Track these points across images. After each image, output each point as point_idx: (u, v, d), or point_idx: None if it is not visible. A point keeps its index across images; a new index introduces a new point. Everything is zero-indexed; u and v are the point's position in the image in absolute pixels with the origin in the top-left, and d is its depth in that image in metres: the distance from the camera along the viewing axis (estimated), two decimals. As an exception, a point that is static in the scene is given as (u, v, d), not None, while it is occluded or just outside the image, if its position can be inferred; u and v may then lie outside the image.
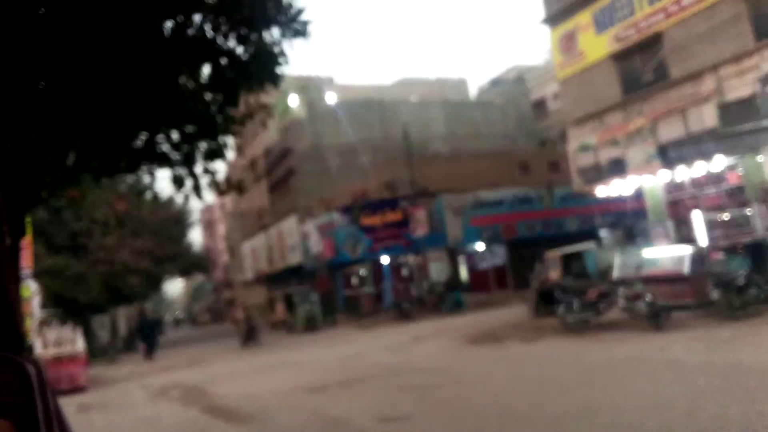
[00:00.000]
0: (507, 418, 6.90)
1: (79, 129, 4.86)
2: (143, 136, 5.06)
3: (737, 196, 14.08)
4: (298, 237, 33.24)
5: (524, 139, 39.68)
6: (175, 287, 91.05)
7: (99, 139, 4.94)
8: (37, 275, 24.10)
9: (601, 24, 18.55)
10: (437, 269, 27.50)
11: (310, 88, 37.68)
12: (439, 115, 37.59)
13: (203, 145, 5.14)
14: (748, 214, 13.19)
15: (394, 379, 10.60)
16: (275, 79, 5.09)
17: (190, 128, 4.90)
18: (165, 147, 5.16)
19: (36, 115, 4.31)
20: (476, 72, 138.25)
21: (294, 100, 34.87)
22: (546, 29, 20.65)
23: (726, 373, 7.22)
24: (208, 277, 63.96)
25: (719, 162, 12.93)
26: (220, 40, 4.72)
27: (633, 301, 11.65)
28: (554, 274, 16.63)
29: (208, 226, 73.26)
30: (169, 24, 4.39)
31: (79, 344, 17.06)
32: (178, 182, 5.18)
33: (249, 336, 21.18)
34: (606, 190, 16.00)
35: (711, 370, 7.53)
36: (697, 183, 15.26)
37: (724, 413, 5.66)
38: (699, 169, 13.35)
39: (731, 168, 14.02)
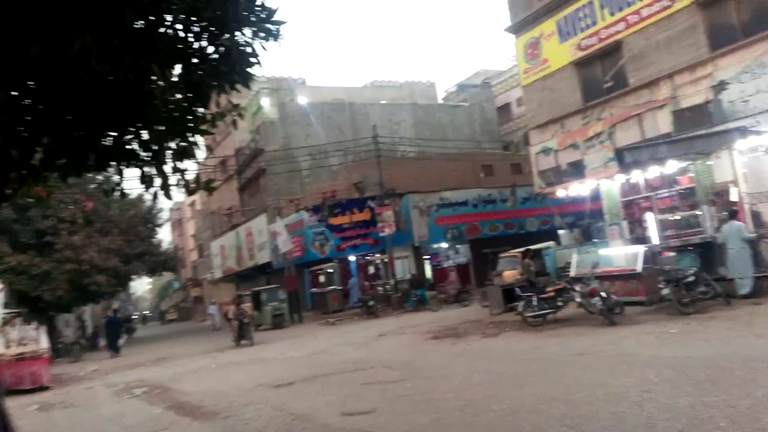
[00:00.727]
0: (466, 410, 7.06)
1: (46, 127, 4.85)
2: (112, 135, 5.08)
3: (688, 198, 14.60)
4: (267, 236, 33.15)
5: (489, 142, 40.26)
6: (142, 285, 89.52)
7: (66, 137, 4.93)
8: (1, 273, 23.64)
9: (565, 33, 19.04)
10: (403, 267, 27.79)
11: (281, 89, 37.64)
12: (407, 118, 37.89)
13: (173, 144, 5.20)
14: (698, 215, 13.71)
15: (359, 374, 10.73)
16: (246, 80, 5.14)
17: (159, 127, 4.95)
18: (134, 145, 5.17)
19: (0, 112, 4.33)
20: (444, 76, 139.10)
21: (266, 101, 34.81)
22: (511, 36, 21.07)
23: (675, 366, 7.45)
24: (176, 276, 63.11)
25: (672, 166, 13.42)
26: (191, 39, 4.81)
27: (589, 297, 12.01)
28: (514, 272, 17.04)
29: (177, 224, 72.27)
30: (139, 23, 4.46)
31: (43, 343, 16.79)
32: (146, 181, 5.19)
33: (242, 334, 19.86)
34: (565, 191, 16.44)
35: (661, 363, 7.80)
36: (651, 185, 15.78)
37: (673, 404, 5.85)
38: (653, 172, 13.83)
39: (683, 171, 14.55)
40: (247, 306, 30.23)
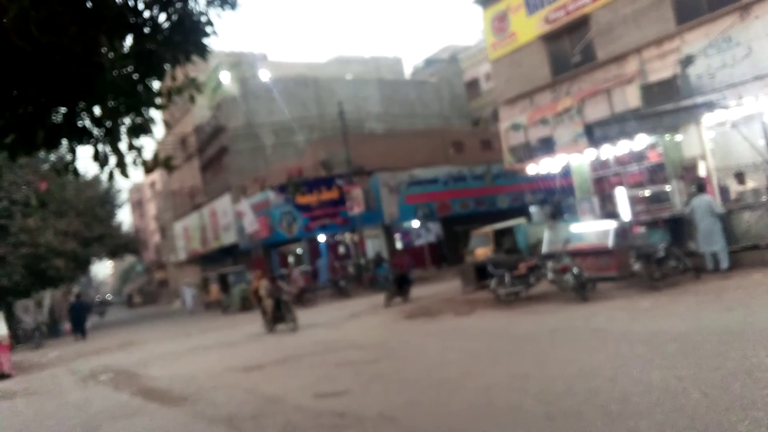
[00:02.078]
0: (441, 389, 7.04)
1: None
2: (62, 110, 4.79)
3: (658, 173, 14.73)
4: (233, 216, 32.64)
5: (458, 118, 40.19)
6: (104, 269, 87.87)
7: (12, 113, 4.65)
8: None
9: (532, 5, 18.87)
10: (374, 247, 27.68)
11: (242, 64, 36.77)
12: (374, 94, 37.49)
13: (127, 120, 4.90)
14: (668, 190, 13.84)
15: (331, 355, 10.64)
16: (202, 51, 4.89)
17: (111, 101, 4.64)
18: (86, 122, 4.89)
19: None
20: (411, 51, 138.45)
21: (226, 77, 33.96)
22: (479, 9, 20.82)
23: (647, 341, 7.53)
24: (138, 259, 62.04)
25: (641, 141, 13.47)
26: (141, 8, 4.51)
27: (561, 274, 12.04)
28: (486, 250, 17.06)
29: (138, 205, 70.85)
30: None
31: (2, 329, 16.31)
32: (101, 159, 4.92)
33: (279, 315, 15.59)
34: (536, 167, 16.43)
35: (633, 338, 7.86)
36: (620, 161, 15.88)
37: (645, 378, 5.90)
38: (622, 147, 13.88)
39: (652, 146, 14.65)
40: (214, 289, 29.84)
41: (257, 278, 17.50)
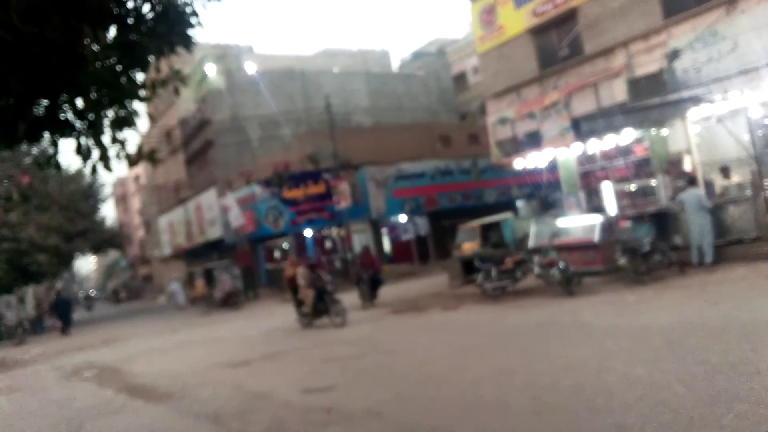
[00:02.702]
0: (428, 383, 7.05)
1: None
2: (43, 103, 4.69)
3: (644, 167, 14.81)
4: (218, 210, 32.42)
5: (445, 111, 40.17)
6: (87, 264, 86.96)
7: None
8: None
9: (520, -2, 18.87)
10: (360, 241, 27.62)
11: (228, 56, 36.45)
12: (361, 87, 37.36)
13: (110, 113, 4.81)
14: (653, 184, 13.91)
15: (318, 351, 10.61)
16: (186, 42, 4.81)
17: (94, 94, 4.56)
18: (68, 115, 4.80)
19: None
20: (398, 44, 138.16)
21: (211, 69, 33.66)
22: (467, 2, 20.78)
23: (632, 335, 7.57)
24: (123, 254, 61.47)
25: (628, 135, 13.52)
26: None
27: (547, 268, 12.08)
28: (473, 244, 17.07)
29: (122, 200, 70.17)
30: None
31: (-18, 326, 16.10)
32: (83, 153, 4.83)
33: (321, 308, 13.57)
34: (523, 162, 16.44)
35: (619, 332, 7.90)
36: (607, 155, 15.94)
37: (631, 372, 5.93)
38: (609, 142, 13.92)
39: (638, 141, 14.71)
40: (199, 284, 29.56)
41: (292, 265, 15.34)
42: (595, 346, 7.36)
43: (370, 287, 16.36)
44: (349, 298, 18.67)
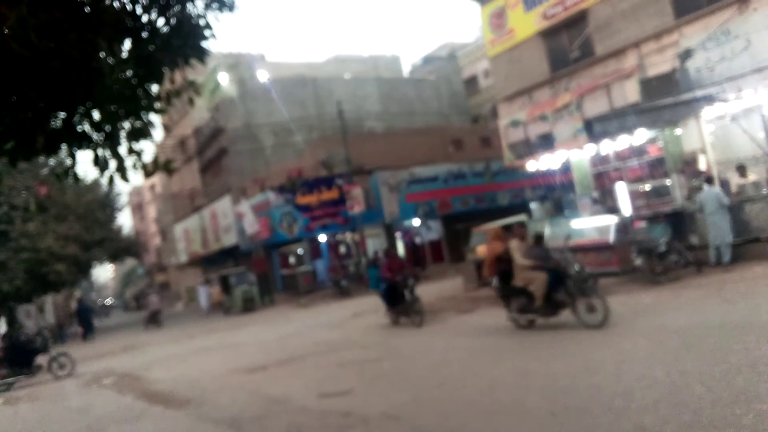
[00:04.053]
0: (444, 387, 7.06)
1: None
2: (61, 115, 4.78)
3: (658, 167, 14.72)
4: (233, 218, 32.62)
5: (457, 115, 40.15)
6: (105, 273, 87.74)
7: (12, 119, 4.64)
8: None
9: (530, 1, 18.84)
10: (374, 246, 27.66)
11: (240, 65, 36.74)
12: (373, 93, 37.46)
13: (127, 125, 4.89)
14: (668, 184, 13.80)
15: (334, 355, 10.64)
16: (201, 54, 4.88)
17: (110, 106, 4.64)
18: (85, 127, 4.88)
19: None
20: (409, 49, 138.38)
21: (224, 78, 33.93)
22: (477, 6, 20.80)
23: (650, 336, 7.53)
24: (139, 262, 62.02)
25: (641, 135, 13.45)
26: (139, 12, 4.50)
27: (563, 270, 11.97)
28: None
29: (138, 208, 70.86)
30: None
31: (3, 335, 16.30)
32: (100, 164, 4.91)
33: (556, 300, 9.42)
34: (535, 164, 16.41)
35: (636, 333, 7.86)
36: (620, 156, 15.87)
37: (649, 373, 5.90)
38: (622, 142, 13.85)
39: (652, 141, 14.62)
40: (216, 290, 29.68)
41: (497, 239, 11.57)
42: (613, 347, 7.34)
43: (396, 300, 13.05)
44: (367, 301, 18.63)
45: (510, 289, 9.96)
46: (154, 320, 27.25)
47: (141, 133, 4.93)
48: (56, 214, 28.80)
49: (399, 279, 12.66)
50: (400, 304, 12.55)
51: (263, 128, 33.96)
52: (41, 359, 14.57)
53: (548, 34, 18.60)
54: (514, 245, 9.93)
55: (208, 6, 4.77)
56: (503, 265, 10.24)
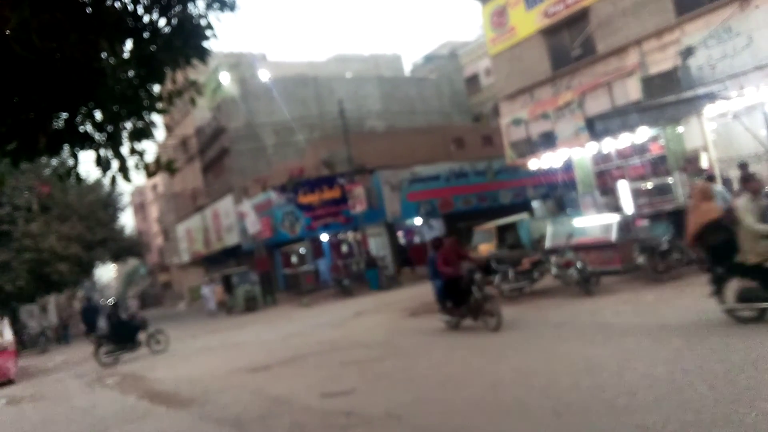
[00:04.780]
0: (447, 386, 7.06)
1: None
2: (63, 116, 4.78)
3: (660, 165, 14.72)
4: (235, 217, 32.63)
5: (458, 114, 40.12)
6: (107, 272, 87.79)
7: (15, 120, 4.65)
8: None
9: (531, 0, 18.85)
10: (376, 245, 27.67)
11: (241, 65, 36.76)
12: (374, 92, 37.44)
13: (129, 125, 4.89)
14: (670, 182, 13.80)
15: (337, 354, 10.63)
16: (202, 54, 4.89)
17: (112, 107, 4.64)
18: (87, 127, 4.89)
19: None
20: (410, 48, 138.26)
21: (225, 78, 33.94)
22: (478, 5, 20.80)
23: (652, 334, 7.52)
24: (142, 261, 62.09)
25: (643, 133, 13.44)
26: (141, 12, 4.50)
27: (565, 268, 12.02)
28: (489, 246, 17.00)
29: (140, 208, 70.92)
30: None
31: (7, 335, 16.34)
32: (103, 164, 4.92)
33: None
34: (537, 162, 16.41)
35: (639, 331, 7.85)
36: (622, 154, 15.87)
37: (651, 372, 5.90)
38: (624, 140, 13.86)
39: (654, 139, 14.63)
40: (218, 290, 29.72)
41: (705, 197, 7.97)
42: (615, 346, 7.33)
43: (459, 298, 10.80)
44: (369, 300, 18.61)
45: (736, 268, 7.14)
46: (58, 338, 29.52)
47: (143, 133, 4.94)
48: (59, 215, 28.85)
49: (463, 273, 10.51)
50: (464, 303, 10.47)
51: (265, 128, 33.97)
52: (142, 335, 15.80)
53: (549, 32, 18.59)
54: (744, 204, 7.08)
55: (209, 6, 4.77)
56: (718, 234, 7.52)
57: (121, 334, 15.49)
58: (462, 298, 10.52)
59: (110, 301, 27.37)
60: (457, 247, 11.41)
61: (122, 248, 35.84)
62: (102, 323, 18.02)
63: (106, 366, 14.87)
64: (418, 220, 29.17)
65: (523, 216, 18.13)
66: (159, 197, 60.48)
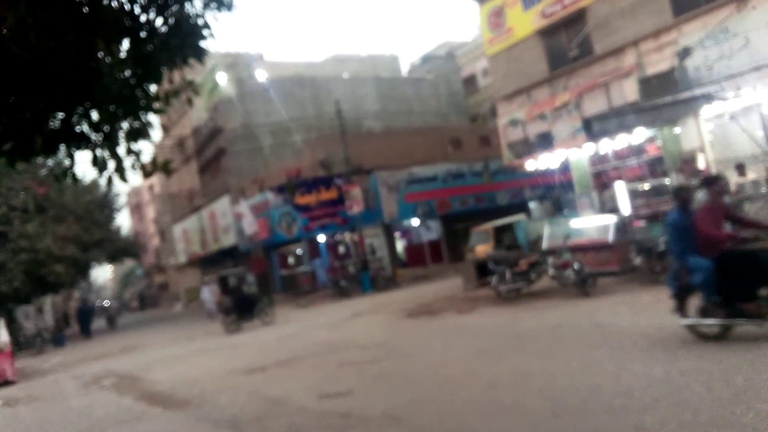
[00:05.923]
0: (444, 387, 7.05)
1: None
2: (59, 116, 4.76)
3: (657, 166, 14.73)
4: (232, 218, 32.57)
5: (456, 114, 40.13)
6: (104, 273, 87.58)
7: (10, 120, 4.63)
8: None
9: (528, 0, 18.86)
10: (373, 246, 27.65)
11: (238, 65, 36.67)
12: (371, 92, 37.43)
13: (125, 125, 4.87)
14: (667, 183, 13.81)
15: (334, 356, 10.62)
16: (199, 54, 4.87)
17: (109, 107, 4.62)
18: (84, 127, 4.86)
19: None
20: (407, 48, 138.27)
21: (222, 78, 33.88)
22: (475, 5, 20.80)
23: (649, 335, 7.52)
24: (138, 262, 61.97)
25: (640, 134, 13.45)
26: (138, 12, 4.48)
27: (562, 269, 12.03)
28: (486, 247, 17.01)
29: (137, 209, 70.76)
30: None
31: (3, 336, 16.27)
32: (99, 164, 4.89)
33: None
34: (534, 163, 16.41)
35: (636, 332, 7.85)
36: (619, 155, 15.87)
37: (649, 373, 5.91)
38: (621, 141, 13.86)
39: (651, 140, 14.63)
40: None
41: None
42: (612, 347, 7.32)
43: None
44: (366, 301, 18.60)
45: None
46: (110, 323, 33.73)
47: (139, 133, 4.92)
48: (55, 215, 28.76)
49: (743, 239, 6.83)
50: (753, 295, 6.26)
51: (262, 128, 33.92)
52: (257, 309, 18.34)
53: (547, 33, 18.60)
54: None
55: (206, 5, 4.76)
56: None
57: (243, 307, 18.13)
58: (752, 286, 6.26)
59: (106, 302, 27.21)
60: (723, 204, 7.06)
61: (119, 249, 35.77)
62: (225, 299, 20.06)
63: (231, 333, 17.36)
64: (415, 221, 29.16)
65: (520, 217, 18.14)
66: (155, 198, 60.35)
